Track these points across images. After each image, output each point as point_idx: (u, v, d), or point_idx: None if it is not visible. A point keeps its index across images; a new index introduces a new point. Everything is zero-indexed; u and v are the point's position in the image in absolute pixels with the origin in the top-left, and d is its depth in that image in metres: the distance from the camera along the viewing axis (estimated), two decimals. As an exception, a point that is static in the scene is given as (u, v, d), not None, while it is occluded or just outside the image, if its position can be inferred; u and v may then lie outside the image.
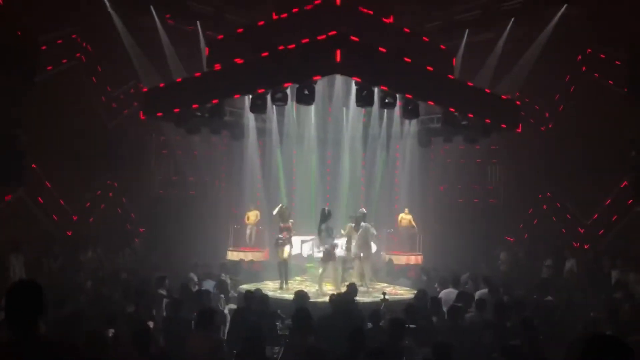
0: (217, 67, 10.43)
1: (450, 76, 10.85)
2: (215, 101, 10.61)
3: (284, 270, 10.91)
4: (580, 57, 14.53)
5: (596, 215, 14.15)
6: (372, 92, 9.18)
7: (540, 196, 15.59)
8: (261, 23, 10.22)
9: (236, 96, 10.75)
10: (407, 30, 10.41)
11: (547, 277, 11.94)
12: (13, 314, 2.69)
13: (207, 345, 5.34)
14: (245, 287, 9.91)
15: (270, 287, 10.65)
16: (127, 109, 15.27)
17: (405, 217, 14.75)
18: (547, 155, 14.87)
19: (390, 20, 9.96)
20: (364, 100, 9.04)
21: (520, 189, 15.75)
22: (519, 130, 12.02)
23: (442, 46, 11.32)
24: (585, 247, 13.85)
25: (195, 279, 10.32)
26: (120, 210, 15.59)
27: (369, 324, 6.42)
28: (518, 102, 12.19)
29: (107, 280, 9.73)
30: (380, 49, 8.77)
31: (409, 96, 9.64)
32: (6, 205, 12.24)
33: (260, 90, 9.53)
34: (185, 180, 16.30)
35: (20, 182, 12.01)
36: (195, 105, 10.82)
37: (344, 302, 7.39)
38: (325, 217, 10.48)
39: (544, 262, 12.84)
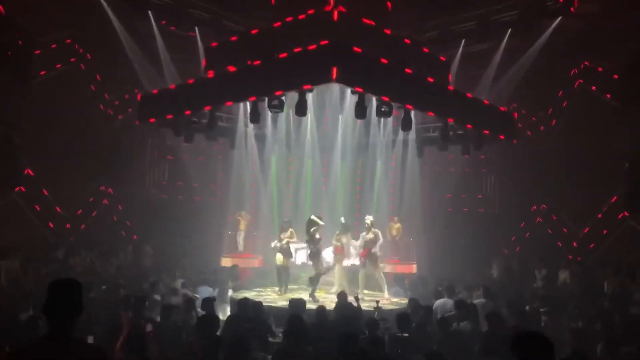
0: (212, 74, 10.44)
1: (449, 87, 10.90)
2: (210, 107, 10.60)
3: (284, 276, 11.20)
4: (574, 69, 14.64)
5: (590, 226, 14.20)
6: (370, 104, 9.22)
7: (534, 206, 15.64)
8: (258, 30, 10.23)
9: (229, 103, 10.82)
10: (406, 40, 10.42)
11: (541, 288, 11.94)
12: (52, 312, 2.71)
13: (200, 352, 5.31)
14: (239, 294, 9.89)
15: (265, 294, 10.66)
16: (124, 114, 15.22)
17: (394, 226, 14.69)
18: (541, 165, 14.94)
19: (385, 28, 9.98)
20: (362, 111, 9.05)
21: (515, 199, 15.80)
22: (515, 141, 12.08)
23: (440, 56, 11.35)
24: (579, 258, 13.87)
25: (180, 285, 10.33)
26: (114, 215, 15.47)
27: (365, 332, 6.39)
28: (512, 112, 12.25)
29: (98, 285, 9.62)
30: (369, 55, 8.73)
31: (409, 106, 9.70)
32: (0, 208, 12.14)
33: (253, 98, 9.56)
34: (181, 186, 16.24)
35: (14, 184, 11.91)
36: (189, 112, 10.80)
37: (340, 310, 7.39)
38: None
39: (538, 273, 12.84)
